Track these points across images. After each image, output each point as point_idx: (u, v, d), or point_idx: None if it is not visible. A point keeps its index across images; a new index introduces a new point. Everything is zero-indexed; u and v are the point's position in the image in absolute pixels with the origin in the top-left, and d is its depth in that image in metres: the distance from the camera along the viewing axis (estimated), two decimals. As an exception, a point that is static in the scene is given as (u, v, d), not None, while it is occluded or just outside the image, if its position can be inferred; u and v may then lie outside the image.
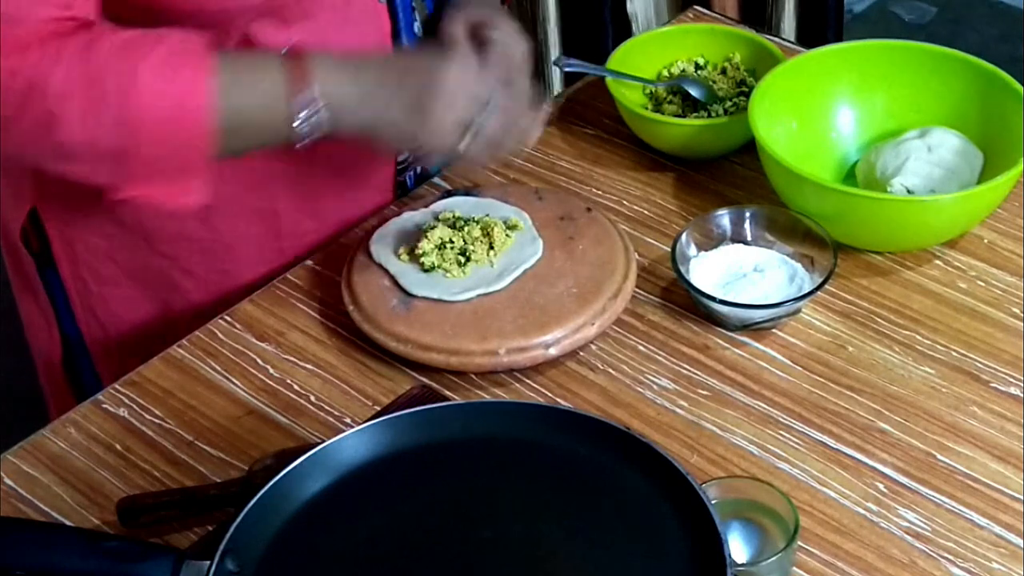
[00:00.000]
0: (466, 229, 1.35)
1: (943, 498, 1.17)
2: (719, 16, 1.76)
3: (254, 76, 1.22)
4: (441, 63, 1.25)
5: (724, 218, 1.38)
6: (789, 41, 1.77)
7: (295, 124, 1.21)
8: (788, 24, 2.70)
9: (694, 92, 1.54)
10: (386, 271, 1.34)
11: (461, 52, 1.28)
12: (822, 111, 1.49)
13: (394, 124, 1.24)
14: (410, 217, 1.39)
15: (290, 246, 1.43)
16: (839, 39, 2.66)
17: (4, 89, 1.13)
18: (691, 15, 1.74)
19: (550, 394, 1.28)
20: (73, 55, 1.15)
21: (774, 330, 1.32)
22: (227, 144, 1.21)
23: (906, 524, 1.15)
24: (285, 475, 1.03)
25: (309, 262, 1.42)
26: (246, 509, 1.00)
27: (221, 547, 0.97)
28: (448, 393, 1.28)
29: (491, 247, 1.34)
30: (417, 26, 1.41)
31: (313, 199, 1.42)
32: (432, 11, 1.44)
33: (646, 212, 1.47)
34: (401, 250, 1.35)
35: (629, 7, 2.48)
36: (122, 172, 1.18)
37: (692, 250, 1.35)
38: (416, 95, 1.23)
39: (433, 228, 1.35)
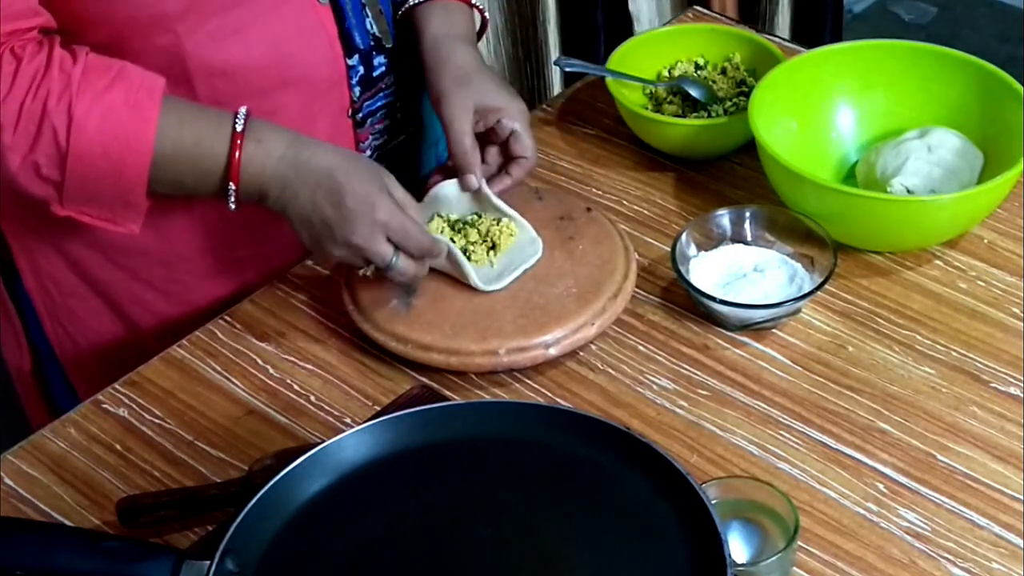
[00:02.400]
0: (465, 229, 1.35)
1: (943, 498, 1.17)
2: (719, 16, 1.76)
3: (198, 145, 1.24)
4: (360, 214, 1.24)
5: (724, 218, 1.38)
6: (787, 40, 1.77)
7: (228, 201, 1.25)
8: (783, 20, 2.70)
9: (694, 92, 1.54)
10: None
11: (389, 205, 1.26)
12: (822, 111, 1.49)
13: (298, 232, 1.27)
14: None
15: (246, 256, 1.43)
16: (838, 38, 2.66)
17: None
18: (691, 15, 1.74)
19: (550, 394, 1.28)
20: (24, 85, 1.19)
21: (774, 330, 1.32)
22: (166, 192, 1.26)
23: (906, 524, 1.15)
24: (285, 475, 1.03)
25: (309, 262, 1.42)
26: (246, 509, 1.00)
27: (221, 547, 0.97)
28: (448, 393, 1.28)
29: (492, 247, 1.34)
30: (370, 22, 1.40)
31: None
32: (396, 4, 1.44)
33: (646, 212, 1.47)
34: None
35: (631, 7, 2.48)
36: (60, 196, 1.23)
37: (692, 250, 1.35)
38: (321, 230, 1.25)
39: (430, 222, 1.35)
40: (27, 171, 1.21)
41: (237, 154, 1.23)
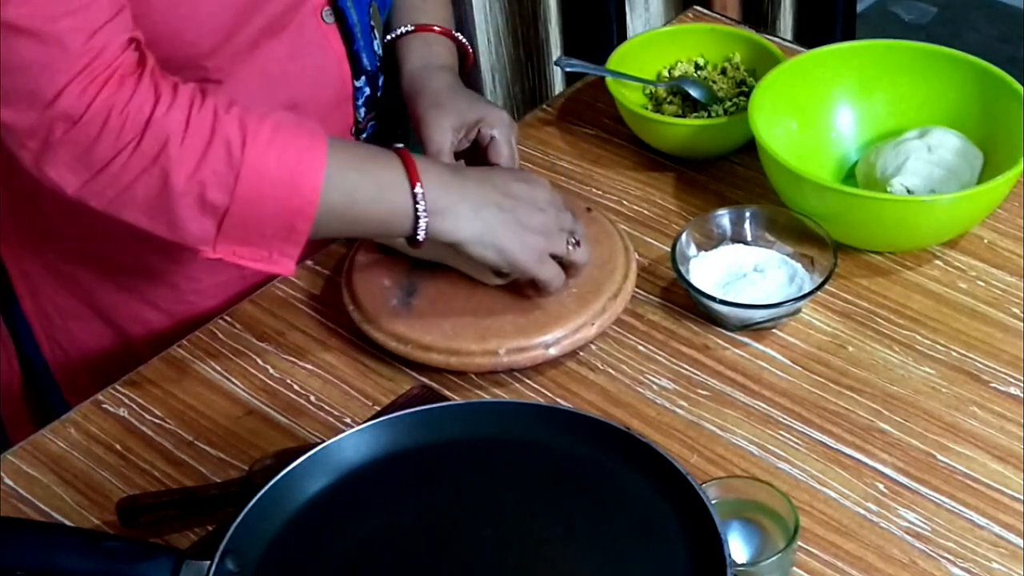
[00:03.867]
0: None
1: (943, 498, 1.17)
2: (719, 16, 1.76)
3: (370, 164, 1.20)
4: (534, 188, 1.26)
5: (724, 218, 1.38)
6: (789, 41, 1.77)
7: (418, 217, 1.19)
8: (785, 23, 2.70)
9: (694, 92, 1.54)
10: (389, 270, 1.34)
11: (540, 181, 1.29)
12: (822, 111, 1.49)
13: (489, 244, 1.23)
14: None
15: (254, 275, 1.38)
16: (850, 37, 2.66)
17: (108, 126, 1.09)
18: (691, 15, 1.74)
19: (550, 394, 1.28)
20: (188, 96, 1.12)
21: (774, 330, 1.32)
22: (328, 225, 1.19)
23: (906, 524, 1.15)
24: (285, 475, 1.03)
25: (309, 262, 1.42)
26: (246, 509, 1.00)
27: (221, 547, 0.97)
28: (448, 393, 1.28)
29: None
30: (377, 44, 1.40)
31: None
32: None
33: (646, 212, 1.47)
34: None
35: (634, 7, 2.48)
36: (218, 231, 1.15)
37: (692, 250, 1.35)
38: (514, 218, 1.23)
39: None
40: (191, 194, 1.11)
41: (408, 159, 1.20)
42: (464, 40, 1.47)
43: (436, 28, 1.44)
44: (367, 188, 1.19)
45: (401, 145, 1.23)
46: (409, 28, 1.43)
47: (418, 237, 1.20)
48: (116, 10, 1.10)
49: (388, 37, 1.43)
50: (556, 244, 1.27)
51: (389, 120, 1.47)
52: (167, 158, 1.10)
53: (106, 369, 1.43)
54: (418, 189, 1.19)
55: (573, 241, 1.29)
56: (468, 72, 1.48)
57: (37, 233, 1.38)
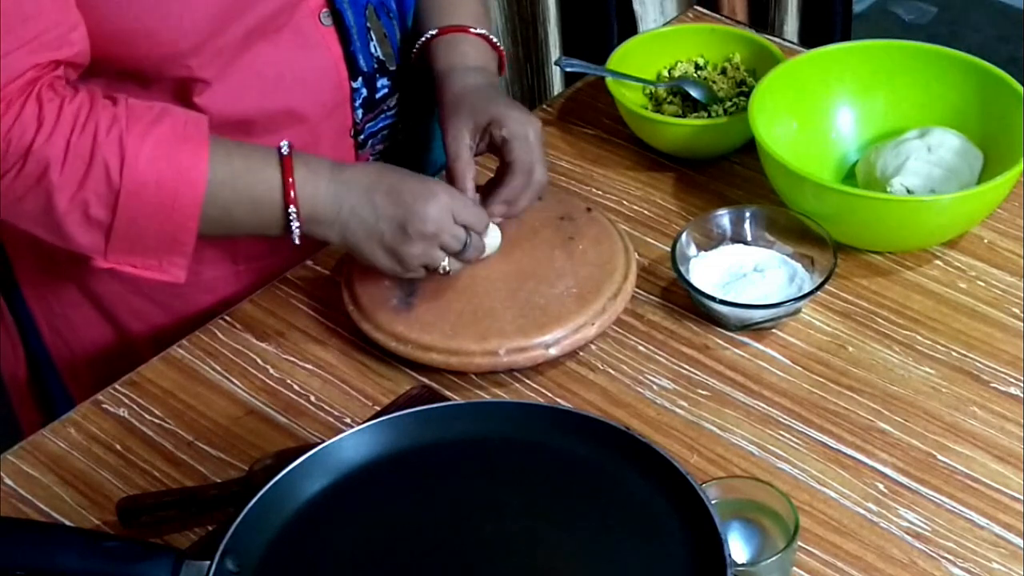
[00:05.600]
0: None
1: (943, 498, 1.17)
2: (719, 16, 1.76)
3: (249, 172, 1.23)
4: (425, 201, 1.24)
5: (724, 218, 1.38)
6: (791, 42, 1.77)
7: (291, 228, 1.24)
8: (791, 26, 2.70)
9: (694, 93, 1.55)
10: None
11: (446, 188, 1.27)
12: (822, 111, 1.49)
13: (367, 252, 1.26)
14: None
15: (246, 270, 1.42)
16: (847, 39, 2.66)
17: None
18: (691, 15, 1.74)
19: (550, 394, 1.28)
20: (69, 121, 1.17)
21: (774, 330, 1.32)
22: (213, 231, 1.24)
23: (906, 524, 1.15)
24: (285, 475, 1.03)
25: (309, 262, 1.42)
26: (246, 509, 1.00)
27: (221, 547, 0.97)
28: (448, 393, 1.28)
29: None
30: (374, 45, 1.39)
31: None
32: (401, 27, 1.43)
33: (646, 212, 1.47)
34: None
35: (635, 7, 2.48)
36: (106, 244, 1.21)
37: (692, 250, 1.35)
38: (392, 232, 1.25)
39: None
40: (75, 212, 1.18)
41: (291, 178, 1.22)
42: (494, 39, 1.45)
43: (472, 31, 1.42)
44: (243, 206, 1.24)
45: (287, 151, 1.23)
46: (432, 33, 1.42)
47: (295, 241, 1.25)
48: (24, 41, 1.15)
49: (420, 40, 1.42)
50: (428, 263, 1.27)
51: (407, 116, 1.47)
52: (49, 182, 1.17)
53: (106, 362, 1.44)
54: (291, 210, 1.23)
55: (465, 246, 1.27)
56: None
57: None
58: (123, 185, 1.18)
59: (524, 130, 1.32)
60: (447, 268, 1.28)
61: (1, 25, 1.13)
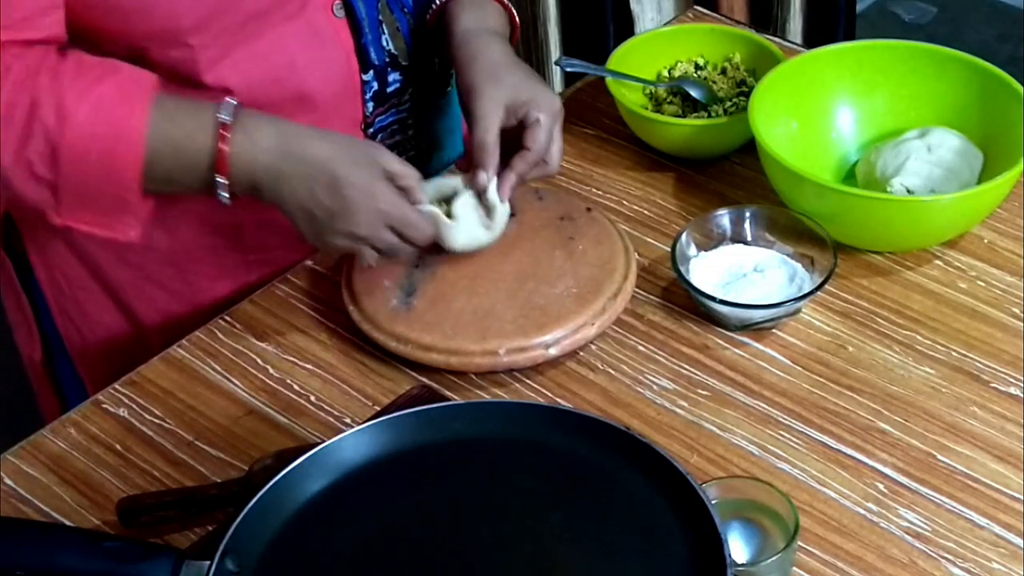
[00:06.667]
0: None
1: (943, 498, 1.17)
2: (719, 16, 1.76)
3: (186, 136, 1.22)
4: (361, 204, 1.23)
5: (724, 218, 1.38)
6: (794, 42, 1.77)
7: (218, 193, 1.23)
8: (795, 25, 2.70)
9: (694, 93, 1.54)
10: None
11: (389, 194, 1.25)
12: (822, 111, 1.49)
13: (296, 225, 1.26)
14: None
15: (256, 260, 1.43)
16: (850, 38, 2.66)
17: None
18: (691, 15, 1.74)
19: (550, 394, 1.28)
20: (16, 81, 1.17)
21: (774, 330, 1.32)
22: (161, 191, 1.24)
23: (906, 524, 1.15)
24: (285, 475, 1.03)
25: (309, 262, 1.42)
26: (246, 509, 1.00)
27: (221, 547, 0.97)
28: (448, 393, 1.28)
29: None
30: (386, 39, 1.40)
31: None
32: (415, 23, 1.43)
33: (646, 212, 1.47)
34: None
35: (633, 7, 2.48)
36: (56, 200, 1.21)
37: (692, 250, 1.35)
38: (322, 220, 1.24)
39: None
40: (20, 170, 1.19)
41: (223, 146, 1.21)
42: (513, 10, 1.43)
43: None
44: (179, 169, 1.22)
45: (230, 115, 1.22)
46: None
47: (224, 203, 1.24)
48: None
49: (435, 3, 1.41)
50: (351, 253, 1.27)
51: (417, 111, 1.47)
52: None
53: (117, 349, 1.45)
54: (219, 178, 1.22)
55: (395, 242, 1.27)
56: None
57: None
58: (62, 144, 1.18)
59: (554, 121, 1.32)
60: (371, 264, 1.28)
61: None
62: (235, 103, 1.23)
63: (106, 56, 1.24)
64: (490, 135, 1.29)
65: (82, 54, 1.21)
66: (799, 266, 1.35)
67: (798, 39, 2.69)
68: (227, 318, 1.37)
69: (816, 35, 2.70)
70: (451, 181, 1.32)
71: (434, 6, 1.42)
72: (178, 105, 1.23)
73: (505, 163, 1.31)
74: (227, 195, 1.23)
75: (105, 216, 1.23)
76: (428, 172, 1.52)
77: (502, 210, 1.32)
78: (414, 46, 1.43)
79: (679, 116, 1.53)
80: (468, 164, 1.33)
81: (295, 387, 1.30)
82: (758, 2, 2.66)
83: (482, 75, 1.32)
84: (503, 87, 1.31)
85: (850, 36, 2.74)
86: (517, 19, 1.45)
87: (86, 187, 1.21)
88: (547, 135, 1.31)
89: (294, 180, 1.23)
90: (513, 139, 1.32)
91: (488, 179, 1.30)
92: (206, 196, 1.25)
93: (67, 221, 1.23)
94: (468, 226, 1.31)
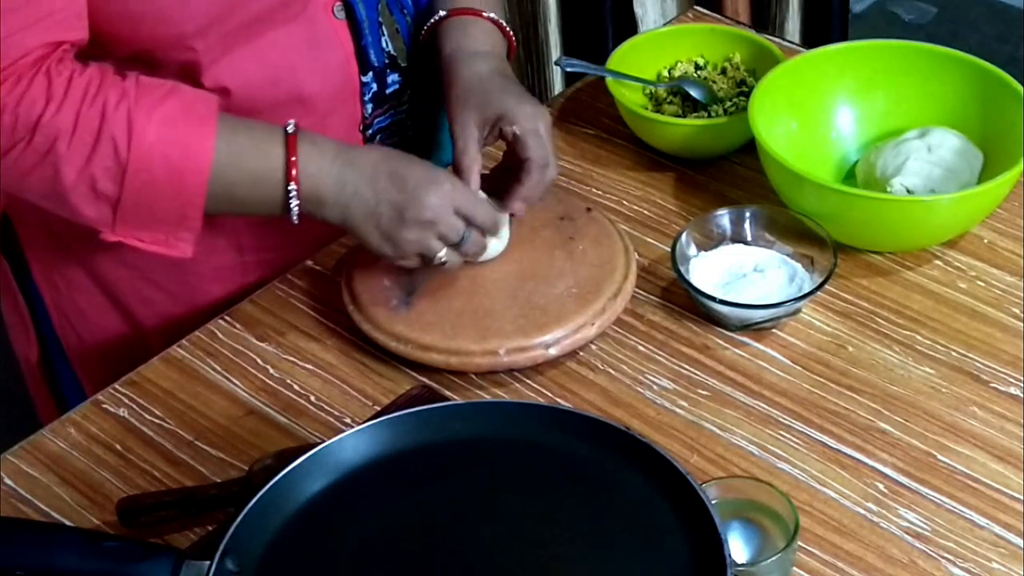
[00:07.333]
0: None
1: (943, 498, 1.17)
2: (719, 16, 1.76)
3: (254, 148, 1.23)
4: (427, 189, 1.24)
5: (724, 218, 1.38)
6: (792, 42, 1.77)
7: (290, 207, 1.24)
8: (793, 25, 2.71)
9: (694, 93, 1.54)
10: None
11: (451, 179, 1.26)
12: (822, 111, 1.49)
13: (364, 234, 1.26)
14: None
15: (253, 262, 1.43)
16: (844, 39, 2.67)
17: (2, 124, 1.15)
18: (691, 15, 1.74)
19: (550, 394, 1.28)
20: (78, 95, 1.17)
21: (774, 330, 1.32)
22: (218, 208, 1.24)
23: (906, 524, 1.15)
24: (285, 475, 1.03)
25: (309, 262, 1.42)
26: (246, 509, 1.00)
27: (221, 547, 0.97)
28: (448, 393, 1.28)
29: None
30: (385, 40, 1.40)
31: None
32: (415, 25, 1.43)
33: (646, 212, 1.47)
34: None
35: (635, 7, 2.48)
36: (114, 217, 1.21)
37: (692, 250, 1.35)
38: (391, 216, 1.24)
39: None
40: (82, 186, 1.19)
41: (293, 157, 1.22)
42: (505, 24, 1.44)
43: (484, 15, 1.41)
44: (246, 183, 1.24)
45: (293, 130, 1.23)
46: (442, 14, 1.41)
47: (293, 220, 1.25)
48: (34, 19, 1.15)
49: (429, 22, 1.42)
50: (424, 251, 1.27)
51: (417, 112, 1.47)
52: (56, 156, 1.17)
53: (115, 351, 1.44)
54: (291, 187, 1.23)
55: (467, 239, 1.27)
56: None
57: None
58: (130, 160, 1.18)
59: (535, 125, 1.31)
60: (443, 259, 1.27)
61: (12, 4, 1.13)
62: (294, 121, 1.24)
63: (108, 58, 1.24)
64: (466, 156, 1.31)
65: (140, 74, 1.22)
66: (799, 266, 1.35)
67: (796, 39, 2.69)
68: (227, 318, 1.37)
69: (813, 35, 2.71)
70: None
71: (426, 26, 1.42)
72: (242, 122, 1.25)
73: (516, 180, 1.32)
74: (297, 206, 1.24)
75: (162, 233, 1.24)
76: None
77: (504, 220, 1.33)
78: (414, 48, 1.43)
79: (679, 116, 1.53)
80: None
81: (295, 387, 1.30)
82: (757, 2, 2.66)
83: (455, 99, 1.34)
84: (471, 107, 1.33)
85: (844, 35, 2.74)
86: (512, 35, 1.46)
87: (148, 204, 1.21)
88: (536, 140, 1.31)
89: (359, 181, 1.24)
90: (513, 160, 1.33)
91: (474, 189, 1.30)
92: (266, 213, 1.26)
93: (121, 237, 1.23)
94: None
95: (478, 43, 1.40)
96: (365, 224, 1.25)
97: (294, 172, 1.23)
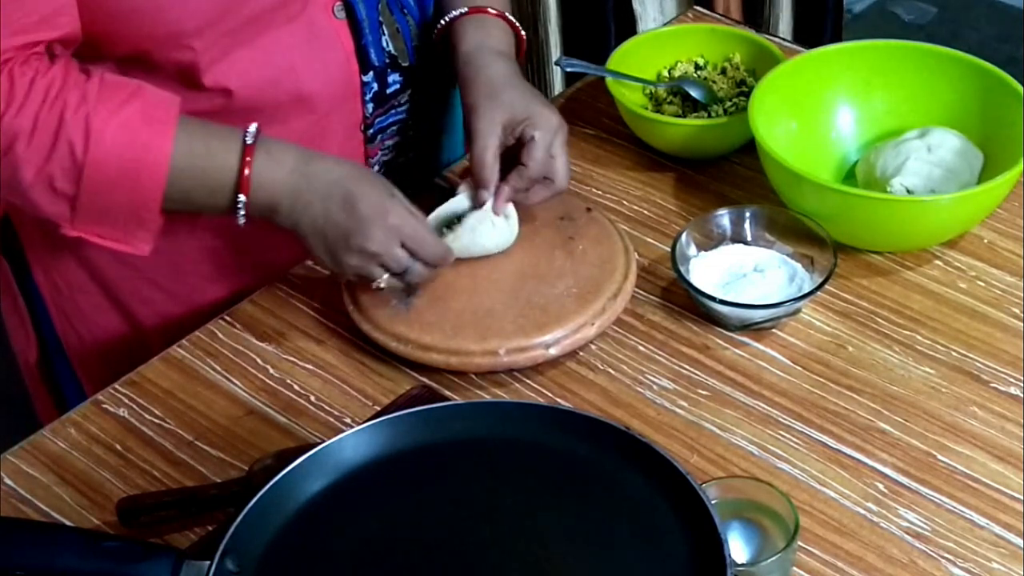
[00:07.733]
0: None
1: (943, 498, 1.17)
2: (719, 16, 1.76)
3: (209, 156, 1.24)
4: (374, 221, 1.25)
5: (724, 218, 1.38)
6: (788, 41, 1.77)
7: (237, 213, 1.25)
8: (785, 24, 2.70)
9: (694, 93, 1.54)
10: None
11: (402, 212, 1.27)
12: (822, 111, 1.49)
13: (311, 246, 1.28)
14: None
15: (253, 262, 1.43)
16: (837, 39, 2.67)
17: None
18: (691, 15, 1.74)
19: (550, 394, 1.28)
20: (39, 98, 1.18)
21: (774, 330, 1.32)
22: (175, 209, 1.26)
23: (906, 524, 1.15)
24: (285, 475, 1.03)
25: (309, 262, 1.42)
26: (246, 509, 1.00)
27: (221, 547, 0.97)
28: (448, 393, 1.28)
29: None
30: (386, 40, 1.40)
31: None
32: (415, 24, 1.43)
33: (646, 212, 1.47)
34: None
35: (635, 7, 2.48)
36: (72, 214, 1.23)
37: (692, 250, 1.35)
38: (336, 238, 1.26)
39: None
40: (41, 184, 1.20)
41: (247, 170, 1.24)
42: (518, 25, 1.44)
43: (491, 10, 1.42)
44: (201, 189, 1.25)
45: (252, 140, 1.24)
46: (460, 11, 1.41)
47: (239, 222, 1.27)
48: (3, 23, 1.16)
49: (441, 21, 1.42)
50: (364, 275, 1.28)
51: (418, 113, 1.47)
52: (15, 155, 1.19)
53: (115, 351, 1.45)
54: (240, 197, 1.24)
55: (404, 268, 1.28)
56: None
57: None
58: (87, 163, 1.20)
59: (552, 137, 1.33)
60: (382, 286, 1.29)
61: None
62: (256, 127, 1.25)
63: (107, 58, 1.25)
64: (488, 153, 1.31)
65: (105, 74, 1.23)
66: (799, 266, 1.35)
67: (788, 36, 2.68)
68: (227, 318, 1.37)
69: (805, 34, 2.70)
70: (447, 207, 1.34)
71: (442, 23, 1.42)
72: (202, 127, 1.25)
73: (504, 178, 1.33)
74: (244, 214, 1.25)
75: (119, 230, 1.25)
76: (427, 173, 1.52)
77: (510, 213, 1.34)
78: (414, 47, 1.43)
79: (679, 116, 1.53)
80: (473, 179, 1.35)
81: (295, 387, 1.30)
82: (750, 1, 2.66)
83: (481, 94, 1.34)
84: (500, 106, 1.33)
85: (837, 35, 2.74)
86: (524, 35, 1.46)
87: (105, 204, 1.23)
88: (544, 151, 1.32)
89: (311, 197, 1.25)
90: (513, 158, 1.33)
91: (488, 196, 1.32)
92: (220, 215, 1.27)
93: (80, 233, 1.25)
94: (487, 230, 1.33)
95: (499, 42, 1.40)
96: (312, 237, 1.27)
97: (244, 181, 1.24)
